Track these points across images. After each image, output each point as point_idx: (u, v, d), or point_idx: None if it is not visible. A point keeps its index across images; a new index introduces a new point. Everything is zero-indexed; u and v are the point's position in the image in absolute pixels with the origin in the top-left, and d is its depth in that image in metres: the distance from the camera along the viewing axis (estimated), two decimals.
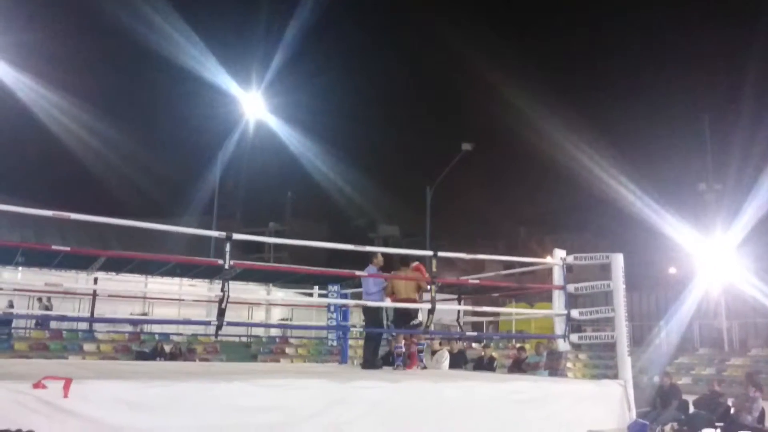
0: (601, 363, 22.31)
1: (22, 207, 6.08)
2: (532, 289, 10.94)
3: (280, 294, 16.59)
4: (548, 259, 8.47)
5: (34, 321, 17.87)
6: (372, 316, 9.01)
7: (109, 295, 14.21)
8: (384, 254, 9.36)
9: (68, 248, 6.45)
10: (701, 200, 29.16)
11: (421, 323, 8.29)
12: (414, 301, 8.56)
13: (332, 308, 12.11)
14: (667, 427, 6.71)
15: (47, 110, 26.73)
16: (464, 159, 26.04)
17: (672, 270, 32.58)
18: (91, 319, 13.86)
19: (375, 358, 9.08)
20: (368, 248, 8.19)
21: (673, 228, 27.21)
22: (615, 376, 7.53)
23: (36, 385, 4.67)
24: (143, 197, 32.77)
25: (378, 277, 8.86)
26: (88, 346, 18.06)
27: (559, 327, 8.04)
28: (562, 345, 8.14)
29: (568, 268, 8.05)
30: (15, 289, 16.48)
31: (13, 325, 17.15)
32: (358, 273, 7.83)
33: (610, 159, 29.47)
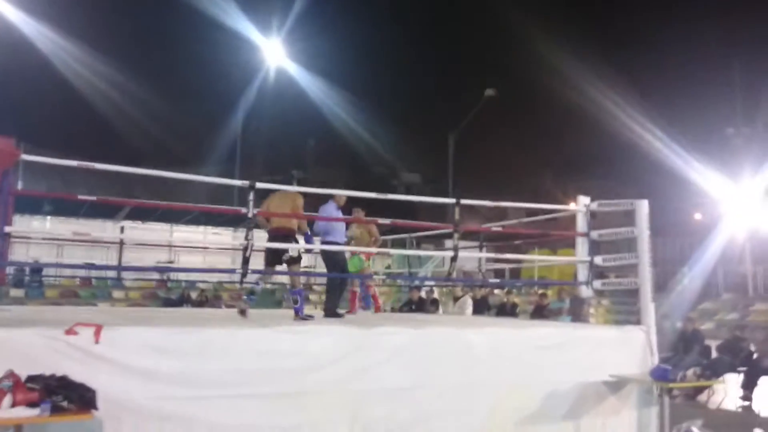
0: (624, 309, 22.28)
1: (46, 157, 6.16)
2: (555, 235, 10.88)
3: (302, 241, 16.73)
4: (572, 206, 8.40)
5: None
6: (335, 260, 8.48)
7: (136, 244, 14.42)
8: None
9: (94, 197, 6.51)
10: (729, 145, 28.60)
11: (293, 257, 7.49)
12: (291, 229, 7.60)
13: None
14: (690, 372, 6.71)
15: (67, 61, 26.70)
16: (487, 105, 25.71)
17: (697, 216, 32.22)
18: (119, 268, 14.10)
19: (337, 306, 8.52)
20: (390, 196, 8.18)
21: (700, 173, 26.78)
22: (638, 322, 7.54)
23: (68, 332, 4.80)
24: (164, 147, 32.84)
25: (341, 220, 8.46)
26: (116, 294, 18.48)
27: (582, 273, 8.03)
28: (585, 291, 8.14)
29: (592, 215, 7.99)
30: (44, 238, 16.83)
31: (44, 272, 17.54)
32: (380, 220, 7.81)
33: (635, 104, 28.88)
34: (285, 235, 7.37)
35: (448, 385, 6.11)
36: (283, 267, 7.54)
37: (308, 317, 7.33)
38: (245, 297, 7.54)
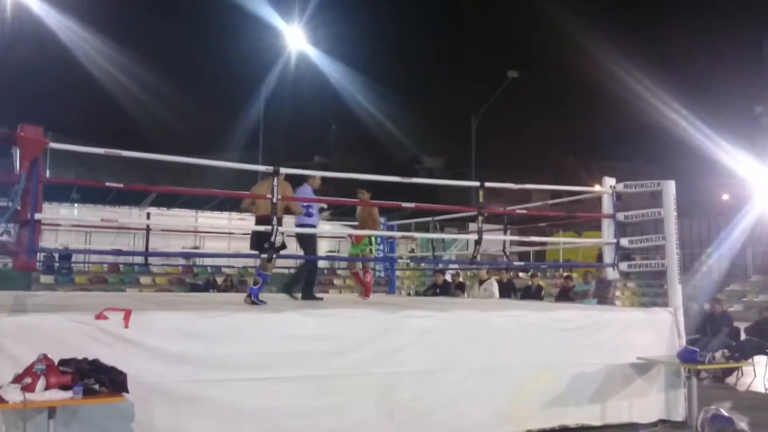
0: (651, 291, 22.14)
1: (75, 146, 6.23)
2: (581, 217, 10.79)
3: (327, 227, 16.79)
4: (597, 188, 8.33)
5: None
6: (308, 242, 8.28)
7: (162, 230, 14.57)
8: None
9: (121, 185, 6.57)
10: (757, 124, 28.09)
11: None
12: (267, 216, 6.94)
13: (379, 240, 12.22)
14: (718, 354, 6.65)
15: (88, 52, 26.91)
16: (510, 87, 25.51)
17: (725, 196, 31.77)
18: (146, 254, 14.28)
19: (313, 288, 8.37)
20: (414, 180, 8.17)
21: (727, 153, 26.37)
22: (665, 304, 7.48)
23: (98, 317, 4.89)
24: (184, 135, 33.05)
25: (316, 201, 8.21)
26: (144, 279, 18.71)
27: (609, 255, 7.97)
28: (611, 273, 8.09)
29: (618, 197, 7.92)
30: (72, 225, 17.07)
31: (73, 259, 17.80)
32: (404, 204, 7.79)
33: (661, 83, 28.44)
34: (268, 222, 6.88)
35: (474, 368, 6.12)
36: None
37: (260, 302, 6.96)
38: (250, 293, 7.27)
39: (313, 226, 8.21)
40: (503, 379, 6.22)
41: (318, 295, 8.55)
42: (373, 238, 9.75)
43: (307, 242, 8.29)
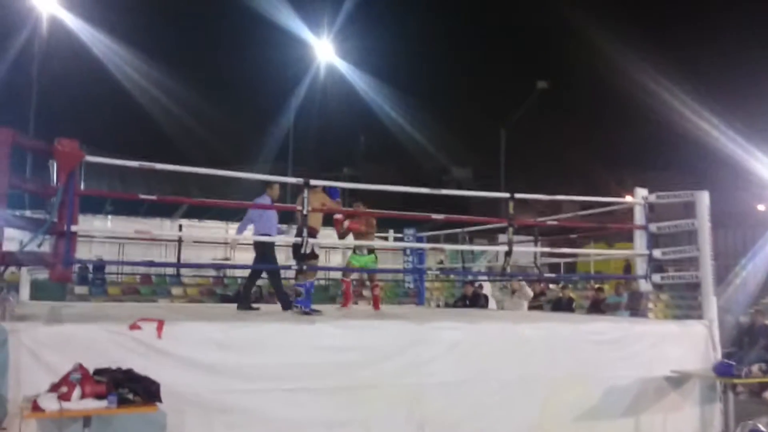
0: (684, 303, 21.58)
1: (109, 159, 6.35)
2: (613, 229, 10.68)
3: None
4: (629, 199, 8.24)
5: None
6: (261, 251, 8.20)
7: (194, 241, 14.73)
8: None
9: (154, 197, 6.67)
10: None
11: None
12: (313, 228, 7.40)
13: (408, 251, 12.23)
14: (755, 367, 6.51)
15: (121, 66, 27.39)
16: (539, 98, 25.39)
17: (760, 206, 31.16)
18: (178, 265, 14.47)
19: (250, 297, 8.36)
20: (443, 191, 8.17)
21: (762, 163, 25.90)
22: (699, 317, 7.36)
23: (132, 327, 4.96)
24: (214, 147, 33.46)
25: (271, 207, 8.21)
26: (175, 290, 18.90)
27: (641, 267, 7.88)
28: (644, 285, 7.99)
29: (650, 207, 7.82)
30: (106, 237, 17.35)
31: (106, 270, 18.07)
32: (434, 216, 7.79)
33: (693, 92, 28.04)
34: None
35: (504, 380, 6.07)
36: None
37: (314, 312, 7.19)
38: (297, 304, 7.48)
39: (269, 234, 8.10)
40: (534, 391, 6.16)
41: (254, 305, 8.44)
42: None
43: (259, 250, 8.19)
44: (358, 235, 8.77)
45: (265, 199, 8.17)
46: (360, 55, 30.60)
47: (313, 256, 7.26)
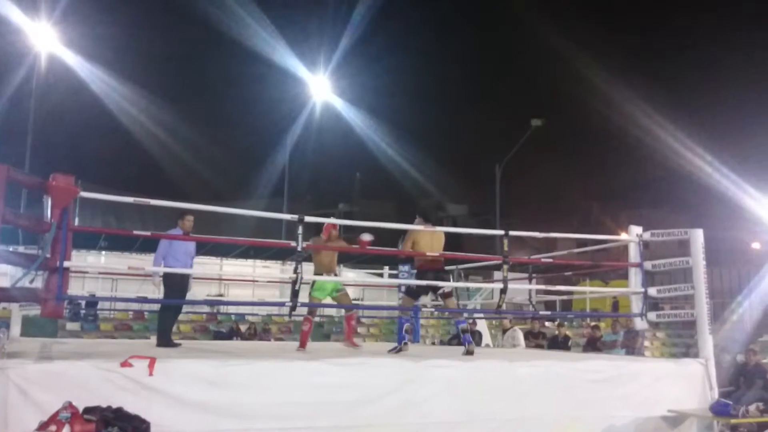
0: (680, 342, 21.63)
1: (104, 194, 6.34)
2: (608, 266, 10.68)
3: (351, 275, 16.78)
4: (623, 236, 8.25)
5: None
6: (168, 284, 8.10)
7: None
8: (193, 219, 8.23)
9: (149, 233, 6.66)
10: None
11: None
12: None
13: (403, 288, 12.16)
14: (752, 407, 6.46)
15: (118, 102, 27.57)
16: (534, 135, 25.59)
17: (755, 245, 31.24)
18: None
19: (169, 332, 8.15)
20: (438, 228, 8.16)
21: (756, 201, 26.03)
22: (695, 355, 7.32)
23: (123, 364, 4.90)
24: (209, 183, 33.56)
25: (182, 238, 8.09)
26: None
27: (636, 305, 7.85)
28: (640, 323, 7.95)
29: (645, 245, 7.83)
30: (99, 272, 17.22)
31: (99, 306, 17.90)
32: (429, 253, 7.77)
33: (687, 130, 28.32)
34: (437, 270, 7.94)
35: (501, 419, 6.01)
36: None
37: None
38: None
39: (181, 266, 8.02)
40: (531, 430, 6.08)
41: (176, 341, 8.28)
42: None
43: (166, 284, 8.12)
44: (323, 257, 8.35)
45: (177, 231, 8.09)
46: (356, 92, 30.92)
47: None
